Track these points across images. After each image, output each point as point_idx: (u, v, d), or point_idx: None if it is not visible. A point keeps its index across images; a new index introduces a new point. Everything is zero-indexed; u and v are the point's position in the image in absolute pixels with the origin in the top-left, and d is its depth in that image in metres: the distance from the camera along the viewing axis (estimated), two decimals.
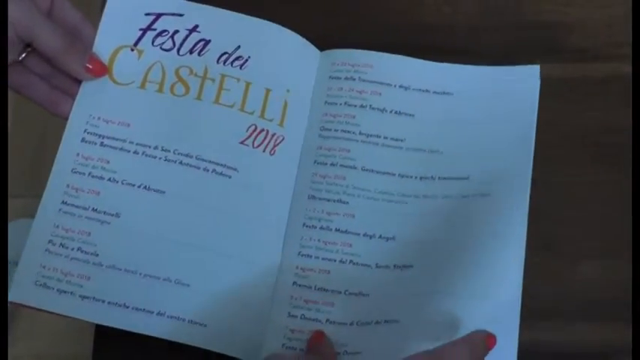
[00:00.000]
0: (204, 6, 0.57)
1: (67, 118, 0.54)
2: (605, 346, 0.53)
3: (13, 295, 0.49)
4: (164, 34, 0.56)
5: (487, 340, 0.45)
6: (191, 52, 0.56)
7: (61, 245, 0.51)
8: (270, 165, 0.55)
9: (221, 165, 0.54)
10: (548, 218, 0.54)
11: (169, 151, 0.53)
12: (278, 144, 0.55)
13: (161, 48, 0.56)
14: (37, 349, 1.17)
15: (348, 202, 0.55)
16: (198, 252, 0.52)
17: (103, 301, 0.50)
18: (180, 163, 0.53)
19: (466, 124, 0.57)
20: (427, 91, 0.58)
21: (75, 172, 0.52)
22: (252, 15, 0.57)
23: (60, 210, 0.51)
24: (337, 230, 0.54)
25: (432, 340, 0.49)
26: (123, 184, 0.52)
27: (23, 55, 0.53)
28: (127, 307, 0.50)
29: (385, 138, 0.56)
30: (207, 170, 0.53)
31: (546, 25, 0.60)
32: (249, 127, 0.55)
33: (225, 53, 0.56)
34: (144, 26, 0.56)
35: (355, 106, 0.57)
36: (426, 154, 0.56)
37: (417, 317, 0.51)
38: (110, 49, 0.55)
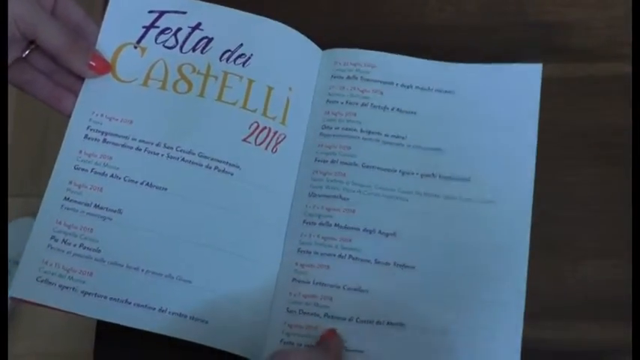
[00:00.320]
0: (207, 4, 0.58)
1: (69, 115, 0.54)
2: (606, 345, 0.53)
3: (15, 291, 0.50)
4: (167, 31, 0.57)
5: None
6: (194, 49, 0.56)
7: (64, 241, 0.51)
8: (272, 163, 0.55)
9: (223, 162, 0.54)
10: (549, 218, 0.54)
11: (172, 148, 0.54)
12: (280, 142, 0.56)
13: (164, 45, 0.56)
14: (38, 347, 1.17)
15: (348, 199, 0.55)
16: (200, 249, 0.52)
17: (105, 297, 0.50)
18: (183, 160, 0.53)
19: (467, 123, 0.57)
20: (429, 89, 0.58)
21: (77, 169, 0.53)
22: (254, 13, 0.58)
23: (62, 206, 0.52)
24: (337, 225, 0.54)
25: (437, 347, 0.49)
26: (125, 180, 0.53)
27: (27, 52, 0.53)
28: (129, 304, 0.50)
29: (386, 135, 0.57)
30: (210, 167, 0.54)
31: (548, 26, 0.60)
32: (252, 124, 0.55)
33: (227, 51, 0.57)
34: (147, 24, 0.57)
35: (356, 104, 0.58)
36: (427, 152, 0.56)
37: (422, 323, 0.51)
38: (113, 47, 0.56)
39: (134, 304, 0.50)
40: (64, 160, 0.53)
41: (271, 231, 0.54)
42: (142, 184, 0.53)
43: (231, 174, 0.54)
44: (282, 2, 0.61)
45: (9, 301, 0.47)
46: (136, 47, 0.56)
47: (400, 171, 0.56)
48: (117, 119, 0.54)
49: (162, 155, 0.53)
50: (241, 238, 0.53)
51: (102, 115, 0.54)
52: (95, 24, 0.55)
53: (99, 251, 0.51)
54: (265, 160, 0.55)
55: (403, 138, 0.57)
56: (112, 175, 0.53)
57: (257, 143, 0.55)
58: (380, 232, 0.54)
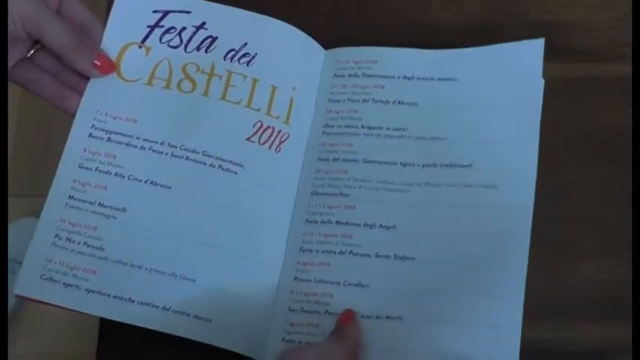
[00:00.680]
0: (211, 3, 0.58)
1: (74, 114, 0.54)
2: (607, 345, 0.53)
3: (20, 289, 0.50)
4: (171, 31, 0.57)
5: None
6: (198, 49, 0.57)
7: (68, 239, 0.51)
8: (276, 162, 0.55)
9: (227, 161, 0.54)
10: (550, 218, 0.54)
11: (176, 146, 0.54)
12: (283, 141, 0.56)
13: (168, 45, 0.57)
14: (40, 347, 1.17)
15: (349, 195, 0.55)
16: (203, 247, 0.52)
17: (109, 295, 0.50)
18: (187, 158, 0.54)
19: (470, 109, 0.56)
20: (431, 78, 0.58)
21: (82, 167, 0.53)
22: (258, 13, 0.58)
23: (67, 204, 0.52)
24: (338, 223, 0.54)
25: (436, 339, 0.49)
26: (129, 179, 0.53)
27: (32, 52, 0.54)
28: (133, 302, 0.50)
29: (387, 129, 0.56)
30: (214, 166, 0.54)
31: (549, 26, 0.60)
32: (256, 123, 0.55)
33: (232, 50, 0.57)
34: (151, 23, 0.57)
35: (358, 100, 0.58)
36: (428, 142, 0.56)
37: (420, 316, 0.51)
38: (118, 46, 0.56)
39: (137, 302, 0.50)
40: (68, 158, 0.53)
41: (274, 230, 0.54)
42: (146, 182, 0.53)
43: (235, 173, 0.54)
44: (284, 2, 0.61)
45: (12, 302, 0.48)
46: (140, 47, 0.56)
47: (401, 163, 0.55)
48: (121, 118, 0.54)
49: (167, 154, 0.54)
50: (244, 237, 0.53)
51: (106, 113, 0.54)
52: (100, 23, 0.56)
53: (103, 249, 0.51)
54: (269, 159, 0.55)
55: (404, 130, 0.56)
56: (116, 174, 0.53)
57: (261, 142, 0.55)
58: (380, 225, 0.54)
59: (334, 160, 0.56)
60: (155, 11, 0.57)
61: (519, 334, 0.50)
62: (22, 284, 0.50)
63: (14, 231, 1.13)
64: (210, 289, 0.51)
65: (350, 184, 0.55)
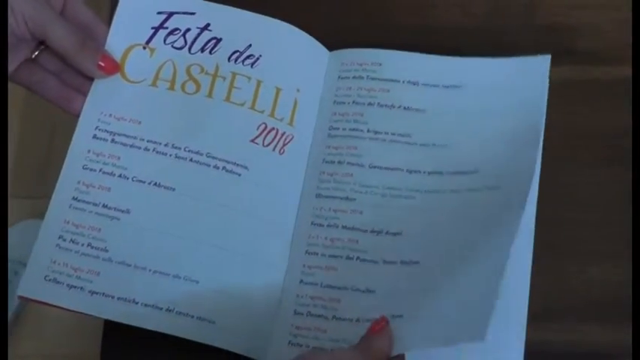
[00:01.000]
0: (215, 5, 0.58)
1: (78, 116, 0.54)
2: (612, 346, 0.53)
3: (23, 290, 0.50)
4: (176, 32, 0.57)
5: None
6: (202, 50, 0.57)
7: (72, 241, 0.51)
8: (280, 164, 0.55)
9: (231, 163, 0.54)
10: (553, 220, 0.54)
11: (180, 148, 0.54)
12: (287, 143, 0.56)
13: (173, 46, 0.57)
14: (43, 349, 1.17)
15: (355, 199, 0.55)
16: (207, 249, 0.52)
17: (113, 297, 0.50)
18: (191, 160, 0.54)
19: (475, 117, 0.56)
20: (436, 85, 0.58)
21: (86, 169, 0.53)
22: (262, 14, 0.58)
23: (71, 206, 0.52)
24: (344, 227, 0.54)
25: (435, 338, 0.48)
26: (133, 180, 0.53)
27: (36, 53, 0.54)
28: (136, 303, 0.50)
29: (393, 134, 0.56)
30: (218, 168, 0.54)
31: (555, 28, 0.60)
32: (260, 125, 0.55)
33: (236, 51, 0.57)
34: (156, 25, 0.57)
35: (363, 104, 0.58)
36: (434, 149, 0.56)
37: (420, 313, 0.50)
38: (122, 48, 0.56)
39: (141, 304, 0.50)
40: (72, 159, 0.53)
41: (278, 232, 0.54)
42: (150, 184, 0.53)
43: (239, 175, 0.54)
44: (288, 3, 0.61)
45: (15, 303, 0.47)
46: (144, 48, 0.56)
47: (407, 170, 0.55)
48: (125, 119, 0.54)
49: (171, 155, 0.54)
50: (248, 239, 0.53)
51: (110, 115, 0.54)
52: (104, 25, 0.56)
53: (106, 251, 0.51)
54: (273, 161, 0.55)
55: (409, 136, 0.56)
56: (120, 175, 0.53)
57: (265, 144, 0.55)
58: (387, 232, 0.54)
59: (339, 162, 0.56)
60: (159, 12, 0.57)
61: (524, 336, 0.50)
62: (25, 285, 0.50)
63: (18, 233, 1.14)
64: (213, 291, 0.51)
65: (356, 189, 0.55)
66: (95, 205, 0.52)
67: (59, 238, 0.51)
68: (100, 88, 0.55)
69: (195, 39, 0.57)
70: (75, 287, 0.50)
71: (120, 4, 0.57)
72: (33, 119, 1.27)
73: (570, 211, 0.56)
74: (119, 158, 0.53)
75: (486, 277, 0.46)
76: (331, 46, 0.60)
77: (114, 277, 0.50)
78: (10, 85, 0.53)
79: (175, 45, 0.57)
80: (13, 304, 1.12)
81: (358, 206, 0.55)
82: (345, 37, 0.60)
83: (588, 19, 0.61)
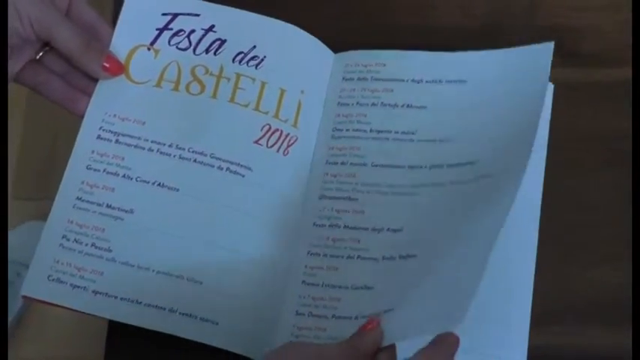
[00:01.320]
0: (220, 6, 0.58)
1: (82, 116, 0.54)
2: (613, 348, 0.53)
3: (26, 290, 0.50)
4: (180, 33, 0.57)
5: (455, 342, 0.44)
6: (207, 51, 0.57)
7: (75, 241, 0.51)
8: (284, 165, 0.55)
9: (235, 164, 0.54)
10: (555, 222, 0.54)
11: (184, 149, 0.54)
12: (291, 144, 0.56)
13: (177, 47, 0.57)
14: (47, 351, 1.17)
15: (357, 199, 0.55)
16: (211, 250, 0.52)
17: (116, 297, 0.50)
18: (195, 161, 0.54)
19: (479, 110, 0.56)
20: (440, 81, 0.58)
21: (90, 169, 0.53)
22: (267, 15, 0.58)
23: (74, 206, 0.52)
24: (346, 227, 0.54)
25: (421, 327, 0.48)
26: (137, 181, 0.53)
27: (41, 54, 0.54)
28: (140, 304, 0.50)
29: (396, 132, 0.56)
30: (222, 169, 0.54)
31: (557, 30, 0.60)
32: (264, 126, 0.55)
33: (240, 53, 0.57)
34: (160, 26, 0.57)
35: (367, 104, 0.58)
36: (437, 144, 0.55)
37: (409, 304, 0.49)
38: (127, 49, 0.56)
39: (144, 304, 0.50)
40: (76, 160, 0.53)
41: (282, 233, 0.54)
42: (153, 184, 0.53)
43: (243, 175, 0.54)
44: (293, 5, 0.61)
45: (18, 304, 0.47)
46: (149, 49, 0.56)
47: (409, 166, 0.55)
48: (129, 120, 0.54)
49: (174, 156, 0.54)
50: (252, 240, 0.53)
51: (115, 115, 0.54)
52: (109, 26, 0.56)
53: (110, 251, 0.51)
54: (276, 162, 0.55)
55: (413, 133, 0.56)
56: (124, 176, 0.53)
57: (269, 145, 0.55)
58: (388, 229, 0.53)
59: (342, 163, 0.56)
60: (164, 14, 0.57)
61: (527, 339, 0.50)
62: (29, 285, 0.50)
63: (21, 234, 1.14)
64: (217, 292, 0.51)
65: (359, 189, 0.55)
66: (99, 205, 0.52)
67: (63, 237, 0.51)
68: (104, 89, 0.55)
69: (199, 40, 0.57)
70: (78, 287, 0.50)
71: (125, 6, 0.57)
72: (36, 121, 1.27)
73: (571, 213, 0.56)
74: (123, 158, 0.53)
75: (471, 263, 0.45)
76: (333, 47, 0.60)
77: (117, 277, 0.50)
78: (13, 87, 0.53)
79: (180, 46, 0.57)
80: (16, 306, 1.12)
81: (360, 206, 0.54)
82: (346, 39, 0.60)
83: (589, 20, 0.61)
